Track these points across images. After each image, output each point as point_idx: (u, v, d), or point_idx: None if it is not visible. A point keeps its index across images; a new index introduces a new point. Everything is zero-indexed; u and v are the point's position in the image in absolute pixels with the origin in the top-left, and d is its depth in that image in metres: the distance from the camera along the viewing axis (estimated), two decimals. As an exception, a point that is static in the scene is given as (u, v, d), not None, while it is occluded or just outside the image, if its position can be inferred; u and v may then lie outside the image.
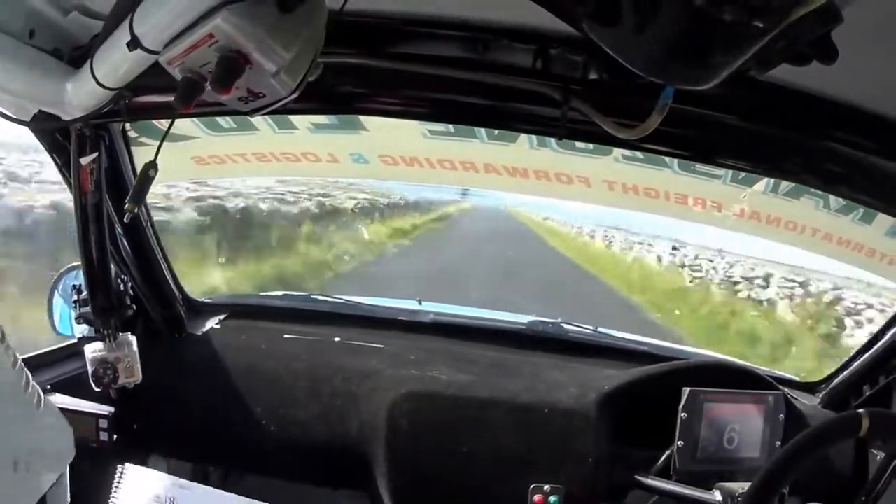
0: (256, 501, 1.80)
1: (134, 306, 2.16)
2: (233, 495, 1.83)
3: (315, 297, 2.88)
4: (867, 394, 2.33)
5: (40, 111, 1.49)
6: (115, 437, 2.11)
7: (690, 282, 16.15)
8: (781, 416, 2.17)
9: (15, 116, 1.51)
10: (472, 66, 1.51)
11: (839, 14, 0.83)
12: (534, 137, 2.24)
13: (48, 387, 1.97)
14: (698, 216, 2.53)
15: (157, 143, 1.98)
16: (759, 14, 0.76)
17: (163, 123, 1.98)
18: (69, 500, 1.63)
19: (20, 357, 1.26)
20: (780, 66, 0.90)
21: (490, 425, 2.17)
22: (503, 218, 23.61)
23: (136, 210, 1.38)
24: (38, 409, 1.34)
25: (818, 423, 1.65)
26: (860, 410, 1.59)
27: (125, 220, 1.41)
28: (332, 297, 2.83)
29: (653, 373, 2.26)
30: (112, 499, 1.81)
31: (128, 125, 1.95)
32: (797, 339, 11.97)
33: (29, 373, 1.31)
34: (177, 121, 1.87)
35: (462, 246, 18.24)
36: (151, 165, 1.39)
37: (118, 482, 1.81)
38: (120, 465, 1.83)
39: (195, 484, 1.85)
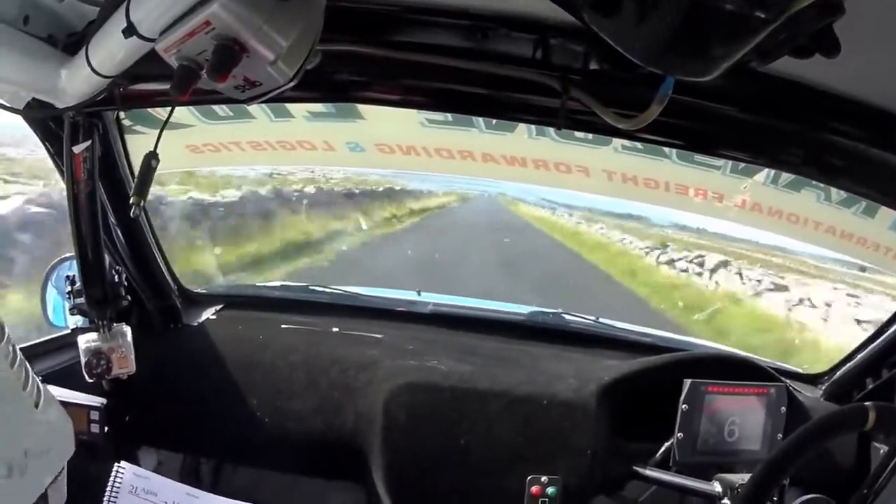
0: None
1: (129, 297, 2.14)
2: (238, 502, 1.81)
3: (313, 287, 2.85)
4: (870, 387, 2.32)
5: (33, 99, 1.48)
6: (106, 429, 2.09)
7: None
8: (783, 408, 2.17)
9: (8, 104, 1.50)
10: (472, 55, 1.49)
11: (841, 6, 0.82)
12: (532, 127, 2.22)
13: (40, 378, 1.96)
14: (699, 207, 2.52)
15: (152, 131, 1.99)
16: (760, 5, 0.75)
17: (158, 112, 1.96)
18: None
19: (20, 353, 1.23)
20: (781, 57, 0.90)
21: (488, 416, 2.16)
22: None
23: (142, 203, 1.36)
24: (36, 408, 1.32)
25: (824, 415, 1.64)
26: (867, 403, 1.58)
27: (131, 214, 1.37)
28: (329, 287, 2.80)
29: (653, 364, 2.26)
30: (111, 499, 1.78)
31: (122, 113, 1.93)
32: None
33: (30, 369, 1.28)
34: (171, 108, 1.85)
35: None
36: (153, 156, 1.37)
37: (117, 481, 1.79)
38: (117, 465, 1.80)
39: (203, 492, 1.83)
